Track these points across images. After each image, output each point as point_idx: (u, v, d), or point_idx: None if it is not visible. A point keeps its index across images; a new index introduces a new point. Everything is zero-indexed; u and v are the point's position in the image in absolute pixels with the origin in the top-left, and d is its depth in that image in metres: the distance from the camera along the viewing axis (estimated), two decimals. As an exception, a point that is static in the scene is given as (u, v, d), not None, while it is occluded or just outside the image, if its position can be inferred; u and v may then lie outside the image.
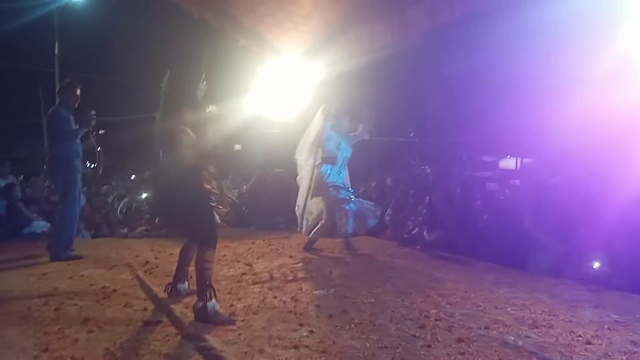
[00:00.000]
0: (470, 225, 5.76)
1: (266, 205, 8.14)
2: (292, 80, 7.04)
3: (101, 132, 5.45)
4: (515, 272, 4.61)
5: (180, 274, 3.68)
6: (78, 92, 5.28)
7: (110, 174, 10.18)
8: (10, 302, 3.52)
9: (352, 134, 5.79)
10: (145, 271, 4.59)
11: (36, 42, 15.81)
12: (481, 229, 5.67)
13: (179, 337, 2.87)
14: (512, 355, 2.61)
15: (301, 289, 3.94)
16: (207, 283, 3.13)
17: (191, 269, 3.47)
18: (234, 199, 3.95)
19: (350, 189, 5.71)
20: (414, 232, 6.17)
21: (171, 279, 3.71)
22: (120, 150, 12.25)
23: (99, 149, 5.49)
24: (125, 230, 7.27)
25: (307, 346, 2.69)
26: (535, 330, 3.00)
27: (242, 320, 3.12)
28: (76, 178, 5.15)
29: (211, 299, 3.09)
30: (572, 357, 2.60)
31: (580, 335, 2.89)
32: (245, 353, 2.59)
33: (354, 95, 6.13)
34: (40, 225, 6.73)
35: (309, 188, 5.59)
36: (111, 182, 9.54)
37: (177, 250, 3.81)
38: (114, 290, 3.87)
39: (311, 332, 2.92)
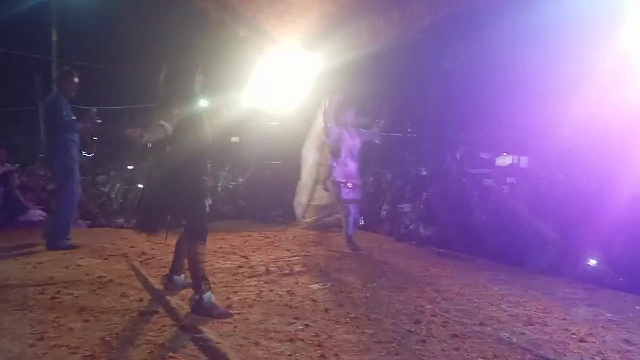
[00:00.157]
0: (466, 222, 5.78)
1: (263, 198, 8.11)
2: (291, 73, 7.01)
3: (98, 120, 5.38)
4: (510, 270, 4.64)
5: (176, 265, 3.68)
6: (76, 80, 5.24)
7: (107, 164, 10.15)
8: (5, 290, 3.51)
9: (363, 130, 5.63)
10: (141, 262, 4.58)
11: (33, 29, 15.68)
12: (477, 225, 5.69)
13: (175, 328, 2.87)
14: (507, 351, 2.62)
15: (297, 283, 3.95)
16: (201, 275, 3.14)
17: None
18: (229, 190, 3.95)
19: (356, 181, 5.50)
20: (410, 227, 6.19)
21: (167, 270, 3.71)
22: (117, 140, 12.21)
23: (94, 138, 5.44)
24: (122, 220, 7.26)
25: (302, 339, 2.69)
26: (529, 327, 3.01)
27: (238, 313, 3.12)
28: (74, 167, 5.12)
29: (207, 291, 3.10)
30: (565, 355, 2.62)
31: (574, 333, 2.91)
32: (241, 345, 2.60)
33: (360, 89, 6.04)
34: (37, 213, 6.70)
35: (313, 183, 5.52)
36: (109, 172, 9.51)
37: (173, 242, 3.80)
38: (110, 280, 3.86)
39: (307, 325, 2.93)
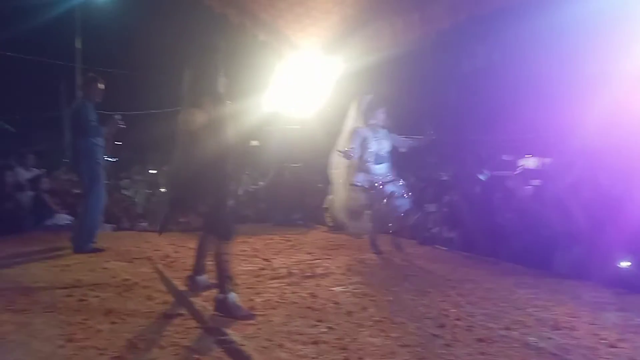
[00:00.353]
0: (490, 224, 5.69)
1: (284, 201, 8.13)
2: (310, 76, 7.03)
3: (122, 125, 5.45)
4: (536, 273, 4.54)
5: (198, 267, 3.72)
6: (101, 86, 5.34)
7: (130, 168, 10.31)
8: (34, 292, 3.59)
9: (394, 135, 5.48)
10: (165, 264, 4.64)
11: (58, 37, 16.04)
12: (502, 228, 5.61)
13: (199, 330, 2.90)
14: (534, 356, 2.57)
15: (319, 285, 3.95)
16: (227, 275, 3.17)
17: (211, 263, 3.50)
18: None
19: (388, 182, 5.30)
20: (433, 230, 6.14)
21: (190, 272, 3.75)
22: (140, 145, 12.40)
23: (118, 143, 5.50)
24: (146, 224, 7.36)
25: (326, 342, 2.69)
26: (557, 332, 2.94)
27: (262, 315, 3.13)
28: (100, 171, 5.22)
29: (231, 291, 3.13)
30: (595, 360, 2.56)
31: (604, 338, 2.83)
32: (265, 347, 2.60)
33: (383, 91, 5.94)
34: (63, 217, 6.84)
35: (342, 186, 5.46)
36: (132, 177, 9.65)
37: (195, 245, 3.84)
38: (135, 283, 3.92)
39: (330, 328, 2.92)
